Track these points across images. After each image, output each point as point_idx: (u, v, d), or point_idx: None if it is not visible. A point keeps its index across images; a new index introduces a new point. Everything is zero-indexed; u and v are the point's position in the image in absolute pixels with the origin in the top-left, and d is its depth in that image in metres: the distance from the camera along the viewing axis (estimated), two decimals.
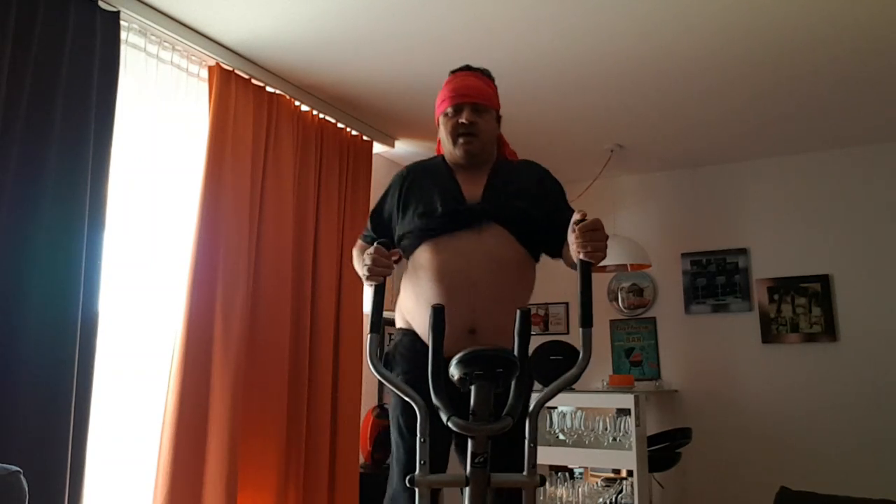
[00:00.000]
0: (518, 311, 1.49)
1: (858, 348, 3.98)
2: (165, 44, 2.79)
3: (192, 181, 2.87)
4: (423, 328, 1.88)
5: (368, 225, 2.12)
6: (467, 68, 2.05)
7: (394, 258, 1.79)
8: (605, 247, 1.60)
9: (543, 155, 4.34)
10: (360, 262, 1.97)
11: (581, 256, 1.59)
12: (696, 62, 3.09)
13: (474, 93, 1.95)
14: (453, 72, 2.05)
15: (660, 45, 2.94)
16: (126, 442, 2.59)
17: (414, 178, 2.02)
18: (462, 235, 1.87)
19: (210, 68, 2.95)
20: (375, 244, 1.78)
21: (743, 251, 4.37)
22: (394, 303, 2.08)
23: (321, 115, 3.53)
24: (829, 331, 4.06)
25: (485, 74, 2.04)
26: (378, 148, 4.01)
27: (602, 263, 4.01)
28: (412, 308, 1.95)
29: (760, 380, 4.19)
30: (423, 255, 1.90)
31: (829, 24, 2.77)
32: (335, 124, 3.64)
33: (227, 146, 2.90)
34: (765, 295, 4.26)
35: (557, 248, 1.92)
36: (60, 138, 2.27)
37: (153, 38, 2.74)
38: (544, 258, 2.03)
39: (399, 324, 2.03)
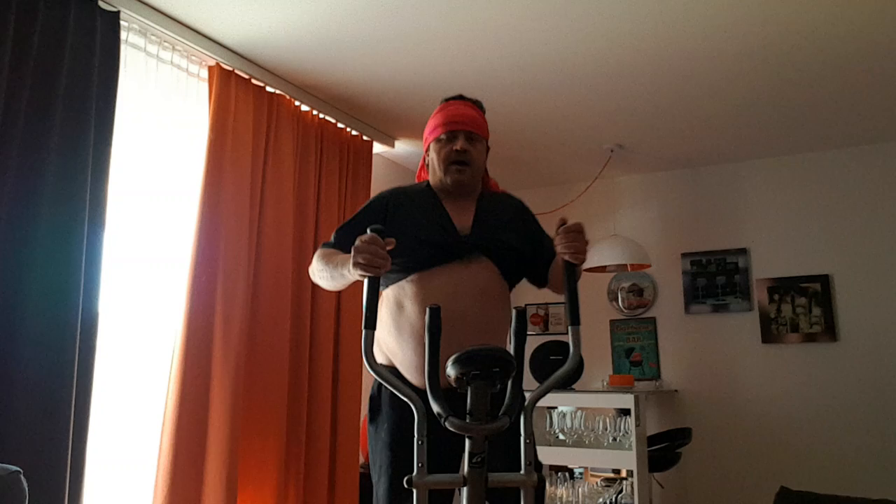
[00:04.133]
0: (514, 310, 1.50)
1: (858, 348, 3.98)
2: (165, 44, 2.79)
3: (192, 181, 2.87)
4: (406, 364, 1.81)
5: (332, 239, 1.95)
6: (460, 98, 2.05)
7: (389, 248, 1.61)
8: (586, 249, 1.70)
9: (543, 155, 4.38)
10: (326, 268, 1.82)
11: (566, 258, 1.68)
12: (696, 62, 3.09)
13: (469, 121, 1.95)
14: (446, 100, 2.05)
15: (660, 45, 2.94)
16: (126, 442, 2.59)
17: (399, 203, 1.94)
18: (451, 267, 1.83)
19: (210, 68, 2.95)
20: (370, 230, 1.60)
21: (743, 251, 4.37)
22: None
23: (321, 115, 3.54)
24: (829, 331, 4.05)
25: (477, 105, 2.05)
26: (378, 148, 4.01)
27: (602, 263, 4.13)
28: (393, 343, 1.84)
29: (760, 380, 4.19)
30: (409, 287, 1.83)
31: (829, 23, 2.77)
32: (335, 124, 3.64)
33: (227, 146, 2.90)
34: (765, 295, 4.25)
35: (543, 277, 2.01)
36: (60, 138, 2.27)
37: (153, 38, 2.74)
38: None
39: (379, 358, 1.87)
